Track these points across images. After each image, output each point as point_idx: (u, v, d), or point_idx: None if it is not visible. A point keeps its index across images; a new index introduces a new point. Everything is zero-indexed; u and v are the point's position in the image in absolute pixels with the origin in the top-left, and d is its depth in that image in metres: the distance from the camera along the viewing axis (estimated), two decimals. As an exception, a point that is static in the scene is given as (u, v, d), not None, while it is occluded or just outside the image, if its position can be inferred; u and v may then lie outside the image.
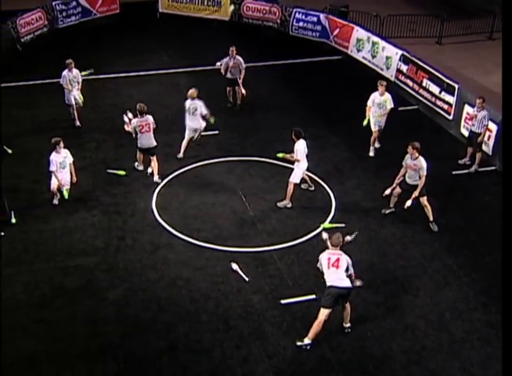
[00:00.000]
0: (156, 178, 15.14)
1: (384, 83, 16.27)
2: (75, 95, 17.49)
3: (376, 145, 16.68)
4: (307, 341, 10.53)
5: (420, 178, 13.20)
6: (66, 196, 13.88)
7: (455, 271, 12.38)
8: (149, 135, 14.90)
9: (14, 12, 23.20)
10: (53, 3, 24.62)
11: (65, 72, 17.38)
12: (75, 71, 17.50)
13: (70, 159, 14.03)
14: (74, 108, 17.60)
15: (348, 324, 10.94)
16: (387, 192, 13.73)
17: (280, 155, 14.22)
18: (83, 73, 17.90)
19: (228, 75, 18.78)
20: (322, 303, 10.48)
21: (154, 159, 15.11)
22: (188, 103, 15.77)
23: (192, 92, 15.77)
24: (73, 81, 17.40)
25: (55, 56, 22.40)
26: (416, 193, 13.20)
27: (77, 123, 17.70)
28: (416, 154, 13.16)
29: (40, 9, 24.05)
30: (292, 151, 13.91)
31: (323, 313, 10.38)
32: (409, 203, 13.29)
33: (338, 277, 10.36)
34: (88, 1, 25.75)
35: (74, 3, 25.31)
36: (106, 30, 25.18)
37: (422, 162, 13.13)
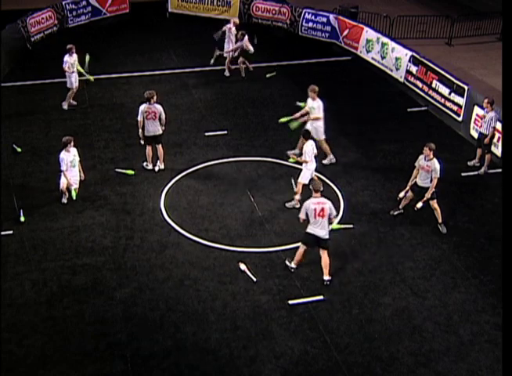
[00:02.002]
0: (161, 166, 15.38)
1: (316, 88, 15.51)
2: (76, 78, 18.29)
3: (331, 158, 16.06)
4: (293, 264, 12.11)
5: (431, 180, 13.16)
6: (74, 196, 13.90)
7: (463, 273, 12.34)
8: (155, 123, 14.99)
9: (25, 12, 23.28)
10: (63, 2, 24.73)
11: (66, 57, 18.05)
12: (75, 56, 18.19)
13: (77, 157, 14.06)
14: (74, 92, 18.50)
15: (328, 277, 11.81)
16: (402, 195, 13.66)
17: (292, 160, 14.25)
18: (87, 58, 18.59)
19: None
20: (302, 240, 12.02)
21: (160, 147, 15.26)
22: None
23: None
24: (73, 65, 18.13)
25: (64, 54, 22.46)
26: (427, 195, 13.16)
27: (66, 106, 18.58)
28: (431, 156, 13.11)
29: (50, 9, 24.17)
30: (301, 153, 13.93)
31: (302, 247, 12.02)
32: (419, 205, 13.26)
33: (320, 226, 11.65)
34: (98, 0, 25.84)
35: (84, 2, 25.43)
36: (116, 29, 25.24)
37: (435, 164, 13.09)
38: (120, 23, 25.93)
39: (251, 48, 20.48)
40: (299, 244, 12.16)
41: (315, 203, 11.64)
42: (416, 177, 13.47)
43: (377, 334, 10.86)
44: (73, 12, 25.06)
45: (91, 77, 18.68)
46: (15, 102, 18.83)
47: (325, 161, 15.76)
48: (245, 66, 21.06)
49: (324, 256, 11.86)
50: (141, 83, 20.33)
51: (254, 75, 21.13)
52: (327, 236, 11.79)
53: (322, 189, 11.84)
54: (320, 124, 15.51)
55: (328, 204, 11.68)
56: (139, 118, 15.04)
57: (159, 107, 14.92)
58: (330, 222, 11.85)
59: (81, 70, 18.31)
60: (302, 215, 11.75)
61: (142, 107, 14.94)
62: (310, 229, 11.77)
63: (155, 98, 14.96)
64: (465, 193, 15.01)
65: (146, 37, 24.63)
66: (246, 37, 20.48)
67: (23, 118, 17.96)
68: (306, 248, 11.97)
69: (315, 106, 15.40)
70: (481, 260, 12.71)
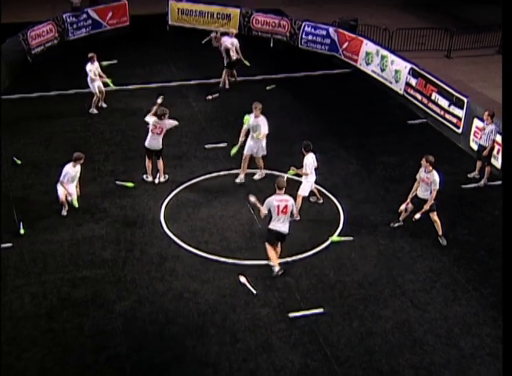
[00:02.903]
0: (161, 178, 15.41)
1: (260, 105, 15.25)
2: (99, 85, 19.05)
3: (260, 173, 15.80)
4: (276, 268, 12.30)
5: (431, 192, 13.16)
6: (76, 204, 13.91)
7: (464, 285, 12.31)
8: (158, 138, 15.05)
9: (25, 25, 23.37)
10: (64, 15, 24.83)
11: (89, 65, 18.83)
12: (96, 64, 18.91)
13: (78, 174, 14.08)
14: (97, 97, 19.17)
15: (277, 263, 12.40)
16: (403, 207, 13.64)
17: (291, 172, 14.24)
18: (104, 63, 19.52)
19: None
20: (266, 239, 12.38)
21: (160, 161, 15.32)
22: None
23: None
24: (96, 72, 18.84)
25: (65, 67, 22.57)
26: (426, 207, 13.17)
27: (95, 111, 19.17)
28: (430, 168, 13.12)
29: (51, 22, 24.26)
30: (301, 165, 13.92)
31: (268, 246, 12.29)
32: (418, 216, 13.25)
33: (283, 222, 12.07)
34: (99, 13, 25.98)
35: (85, 15, 25.56)
36: (116, 42, 25.29)
37: (435, 176, 13.10)
38: (121, 36, 26.00)
39: (234, 55, 20.51)
40: (267, 247, 12.35)
41: (279, 200, 11.97)
42: (416, 189, 13.47)
43: (378, 347, 10.82)
44: (73, 25, 25.17)
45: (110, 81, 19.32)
46: (15, 114, 18.85)
47: (256, 176, 15.69)
48: (234, 80, 21.14)
49: (279, 246, 12.47)
50: (141, 95, 20.36)
51: (254, 88, 21.17)
52: (287, 231, 12.21)
53: (285, 185, 12.11)
54: (265, 141, 15.34)
55: (291, 201, 12.08)
56: (149, 120, 15.10)
57: (168, 123, 15.00)
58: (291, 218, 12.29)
59: (104, 78, 19.12)
60: (264, 211, 12.03)
61: (153, 119, 15.04)
62: (272, 226, 12.14)
63: (166, 116, 15.05)
64: (465, 206, 15.01)
65: (146, 50, 24.71)
66: (225, 42, 20.63)
67: (23, 131, 17.98)
68: (271, 245, 12.31)
69: (260, 123, 15.13)
70: (481, 272, 12.69)
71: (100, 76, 19.07)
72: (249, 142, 15.36)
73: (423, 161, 13.18)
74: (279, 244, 12.44)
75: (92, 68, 18.80)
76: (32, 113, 19.18)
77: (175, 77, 22.13)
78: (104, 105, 19.52)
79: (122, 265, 12.66)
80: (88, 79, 18.89)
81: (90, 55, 18.83)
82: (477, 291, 12.18)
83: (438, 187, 13.08)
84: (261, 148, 15.38)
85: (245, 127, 15.36)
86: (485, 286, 12.28)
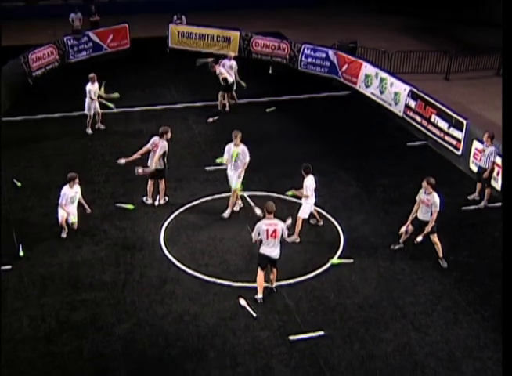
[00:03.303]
0: (161, 201, 15.41)
1: (239, 134, 14.75)
2: (96, 106, 19.20)
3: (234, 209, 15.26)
4: (259, 295, 12.20)
5: (431, 213, 13.15)
6: (71, 221, 13.91)
7: (465, 308, 12.26)
8: (154, 156, 15.03)
9: (26, 47, 23.51)
10: (65, 38, 24.98)
11: (89, 85, 18.94)
12: (97, 84, 18.98)
13: (79, 194, 14.10)
14: (90, 117, 19.26)
15: (274, 284, 12.44)
16: (403, 230, 13.63)
17: (290, 193, 14.22)
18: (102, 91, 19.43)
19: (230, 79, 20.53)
20: (258, 263, 12.23)
21: (162, 182, 15.33)
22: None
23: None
24: (95, 93, 18.92)
25: (65, 90, 22.66)
26: (427, 229, 13.14)
27: (90, 131, 19.33)
28: (431, 189, 13.13)
29: (52, 44, 24.41)
30: (300, 187, 13.91)
31: (259, 271, 12.17)
32: (419, 238, 13.22)
33: (273, 247, 11.95)
34: (99, 36, 26.13)
35: (85, 38, 25.73)
36: (117, 64, 25.41)
37: (435, 198, 13.09)
38: (121, 59, 26.13)
39: (230, 78, 20.61)
40: (258, 272, 12.24)
41: (268, 224, 11.88)
42: (416, 211, 13.46)
43: (379, 370, 10.75)
44: (74, 48, 25.32)
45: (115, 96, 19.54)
46: (15, 136, 18.88)
47: (224, 215, 15.02)
48: (234, 102, 21.22)
49: (273, 270, 12.34)
50: (141, 118, 20.45)
51: (253, 110, 21.26)
52: (278, 257, 12.11)
53: (274, 209, 11.95)
54: (243, 173, 14.83)
55: (280, 225, 11.92)
56: (148, 145, 15.13)
57: (162, 145, 14.96)
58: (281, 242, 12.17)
59: (103, 97, 19.26)
60: (255, 236, 12.00)
61: (153, 139, 15.08)
62: (262, 250, 12.05)
63: (168, 135, 15.09)
64: (465, 227, 14.99)
65: (146, 73, 24.82)
66: (225, 65, 20.74)
67: (23, 153, 18.01)
68: (262, 270, 12.19)
69: (239, 151, 14.66)
70: (482, 295, 12.65)
71: (99, 97, 19.12)
72: (228, 172, 14.97)
73: (424, 183, 13.19)
74: (274, 270, 12.31)
75: (92, 88, 18.89)
76: (32, 136, 19.21)
77: (175, 99, 22.21)
78: (102, 126, 19.57)
79: (122, 287, 12.61)
80: (86, 99, 18.99)
81: (91, 75, 18.92)
82: (478, 313, 12.13)
83: (438, 209, 13.07)
84: (235, 179, 14.82)
85: (225, 156, 14.77)
86: (486, 308, 12.23)
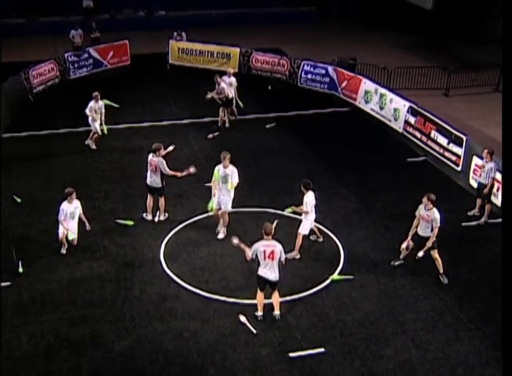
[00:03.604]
0: (161, 217, 15.42)
1: (228, 155, 14.49)
2: (97, 125, 19.08)
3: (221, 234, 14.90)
4: (259, 313, 12.07)
5: (432, 229, 13.14)
6: (70, 237, 13.89)
7: (466, 324, 12.21)
8: (153, 175, 15.11)
9: (27, 64, 23.60)
10: (65, 55, 25.08)
11: (91, 103, 18.87)
12: (100, 103, 18.96)
13: (80, 210, 14.10)
14: (99, 134, 19.28)
15: (278, 312, 12.07)
16: (404, 246, 13.61)
17: (289, 210, 14.17)
18: (105, 101, 19.45)
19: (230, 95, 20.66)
20: (257, 284, 12.08)
21: (162, 199, 15.36)
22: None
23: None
24: (98, 111, 18.84)
25: (66, 106, 22.73)
26: (428, 244, 13.12)
27: (94, 146, 19.41)
28: (431, 206, 13.13)
29: (52, 61, 24.51)
30: (300, 203, 13.90)
31: (258, 292, 12.06)
32: (420, 254, 13.20)
33: (271, 269, 11.74)
34: (100, 52, 26.25)
35: (86, 55, 25.85)
36: (117, 81, 25.50)
37: (435, 213, 13.09)
38: (122, 75, 26.24)
39: (230, 94, 20.67)
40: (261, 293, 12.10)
41: (265, 245, 11.71)
42: (416, 227, 13.45)
43: (380, 387, 10.70)
44: (75, 64, 25.44)
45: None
46: (15, 152, 18.91)
47: (220, 236, 14.85)
48: (234, 118, 21.27)
49: (275, 294, 12.07)
50: (141, 134, 20.47)
51: (253, 126, 21.31)
52: (277, 279, 11.89)
53: (272, 231, 11.78)
54: (233, 194, 14.69)
55: (278, 247, 11.75)
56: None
57: (158, 160, 14.98)
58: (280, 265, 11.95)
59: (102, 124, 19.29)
60: (249, 254, 11.84)
61: (149, 157, 15.13)
62: (260, 272, 11.90)
63: (161, 151, 15.11)
64: (465, 244, 14.96)
65: (146, 89, 24.89)
66: (224, 82, 20.77)
67: (23, 169, 18.02)
68: (261, 291, 12.06)
69: (229, 173, 14.46)
70: (483, 311, 12.60)
71: (101, 115, 19.14)
72: (217, 194, 14.64)
73: (425, 199, 13.19)
74: (275, 294, 12.05)
75: (95, 107, 18.89)
76: (32, 152, 19.23)
77: (175, 115, 22.25)
78: (93, 146, 19.44)
79: (121, 304, 12.57)
80: (90, 118, 18.99)
81: (94, 94, 18.91)
82: (479, 330, 12.08)
83: (439, 224, 13.07)
84: (229, 202, 14.69)
85: (214, 179, 14.63)
86: (487, 325, 12.18)
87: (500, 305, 12.21)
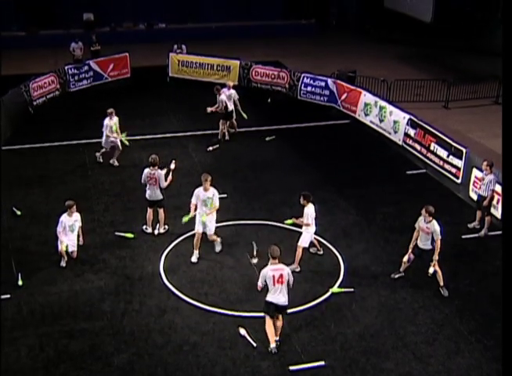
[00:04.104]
0: (161, 229, 15.42)
1: (209, 178, 14.22)
2: (114, 141, 18.83)
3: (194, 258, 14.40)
4: (272, 345, 11.49)
5: (432, 242, 13.12)
6: (64, 249, 13.84)
7: (466, 337, 12.17)
8: (154, 188, 15.11)
9: (27, 76, 23.67)
10: (66, 67, 25.16)
11: (107, 120, 18.61)
12: (115, 118, 18.67)
13: (79, 223, 14.10)
14: (106, 150, 19.08)
15: (277, 338, 11.61)
16: (406, 259, 13.60)
17: (289, 222, 14.14)
18: (123, 137, 19.08)
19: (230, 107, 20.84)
20: (264, 311, 11.56)
21: (161, 211, 15.35)
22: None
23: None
24: (112, 128, 18.58)
25: (66, 118, 22.79)
26: (435, 258, 13.09)
27: (100, 159, 19.16)
28: (430, 218, 13.12)
29: (52, 73, 24.59)
30: (300, 215, 13.89)
31: (267, 320, 11.51)
32: (431, 270, 13.11)
33: (280, 293, 11.32)
34: (100, 65, 26.32)
35: (86, 67, 25.93)
36: (117, 93, 25.57)
37: (435, 226, 13.09)
38: (122, 88, 26.32)
39: (230, 106, 20.73)
40: (266, 317, 11.59)
41: (273, 269, 11.27)
42: (416, 239, 13.44)
43: (380, 401, 10.66)
44: (75, 77, 25.51)
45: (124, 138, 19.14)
46: (16, 165, 18.94)
47: (217, 249, 14.70)
48: (234, 131, 21.31)
49: (279, 319, 11.62)
50: (141, 146, 20.47)
51: (253, 139, 21.33)
52: (287, 303, 11.47)
53: (279, 254, 11.36)
54: (215, 215, 14.39)
55: (286, 270, 11.38)
56: (142, 181, 15.20)
57: (157, 173, 15.00)
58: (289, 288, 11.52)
59: (121, 136, 18.88)
60: (260, 283, 11.39)
61: (146, 171, 15.07)
62: (270, 298, 11.39)
63: (158, 163, 15.11)
64: (466, 256, 14.94)
65: (146, 102, 24.94)
66: (224, 94, 20.80)
67: (23, 181, 18.03)
68: (271, 318, 11.50)
69: (210, 196, 14.08)
70: (483, 324, 12.56)
71: (116, 132, 18.85)
72: (197, 217, 14.16)
73: (423, 212, 13.19)
74: (280, 317, 11.63)
75: (110, 123, 18.65)
76: (33, 164, 19.26)
77: (175, 128, 22.28)
78: (116, 163, 19.08)
79: (121, 317, 12.53)
80: (104, 135, 18.80)
81: (109, 110, 18.62)
82: (480, 342, 12.04)
83: (440, 237, 13.06)
84: (213, 225, 14.32)
85: (193, 201, 14.18)
86: (488, 338, 12.14)
87: (501, 318, 12.22)
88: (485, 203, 15.56)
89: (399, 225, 15.92)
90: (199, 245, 14.35)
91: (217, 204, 14.19)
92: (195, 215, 14.24)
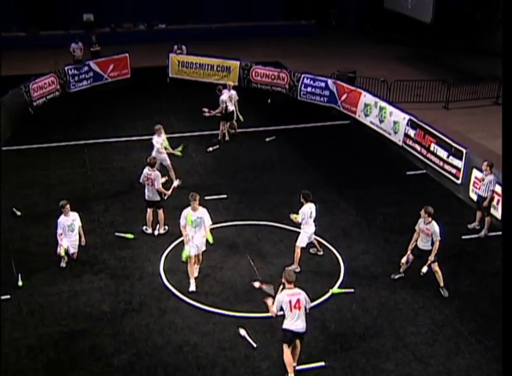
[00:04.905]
0: (161, 230, 15.40)
1: (197, 197, 13.18)
2: (165, 158, 17.55)
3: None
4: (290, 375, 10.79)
5: (432, 242, 13.12)
6: (63, 253, 13.83)
7: (466, 338, 12.16)
8: (151, 189, 15.11)
9: (28, 77, 23.68)
10: (66, 68, 25.17)
11: (155, 137, 17.40)
12: (164, 135, 17.65)
13: (78, 222, 14.10)
14: (171, 168, 17.71)
15: (295, 363, 10.98)
16: (404, 260, 13.59)
17: (294, 216, 14.06)
18: (178, 152, 18.18)
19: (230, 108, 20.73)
20: (282, 340, 10.86)
21: (161, 212, 15.35)
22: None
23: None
24: (163, 144, 17.50)
25: (66, 119, 22.79)
26: (430, 258, 13.10)
27: (177, 182, 16.68)
28: (429, 219, 13.12)
29: (53, 74, 24.60)
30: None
31: (285, 349, 10.77)
32: (424, 269, 13.14)
33: (298, 319, 10.61)
34: (100, 66, 26.33)
35: (86, 68, 25.94)
36: (117, 94, 25.59)
37: (435, 227, 13.08)
38: (122, 88, 26.34)
39: (230, 107, 20.72)
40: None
41: (290, 294, 10.62)
42: (416, 240, 13.44)
43: (380, 401, 10.65)
44: (75, 78, 25.52)
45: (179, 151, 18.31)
46: (16, 165, 18.94)
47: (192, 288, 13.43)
48: (234, 131, 21.30)
49: (297, 346, 10.96)
50: (141, 147, 20.44)
51: (253, 139, 21.32)
52: (305, 329, 10.77)
53: (295, 279, 10.79)
54: (203, 234, 13.36)
55: (303, 295, 10.73)
56: (141, 180, 15.22)
57: (154, 174, 15.02)
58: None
59: (170, 150, 17.93)
60: (275, 310, 10.68)
61: (145, 171, 15.11)
62: (287, 325, 10.68)
63: (156, 165, 15.10)
64: (466, 256, 14.93)
65: (146, 102, 24.94)
66: (225, 94, 20.79)
67: (23, 182, 18.03)
68: (289, 346, 10.83)
69: (200, 215, 13.22)
70: (484, 324, 12.55)
71: (166, 148, 17.72)
72: (192, 240, 13.24)
73: (422, 213, 13.19)
74: (297, 344, 10.95)
75: (159, 140, 17.41)
76: (32, 165, 19.26)
77: (175, 129, 22.24)
78: (178, 182, 16.40)
79: (121, 317, 12.53)
80: (153, 152, 17.25)
81: (157, 127, 17.53)
82: (480, 343, 12.03)
83: (439, 238, 13.06)
84: (204, 242, 13.44)
85: (182, 223, 13.27)
86: (488, 338, 12.13)
87: (501, 318, 12.21)
88: (485, 203, 15.54)
89: (399, 225, 15.91)
90: (194, 272, 13.53)
91: (208, 224, 13.27)
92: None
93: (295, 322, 10.61)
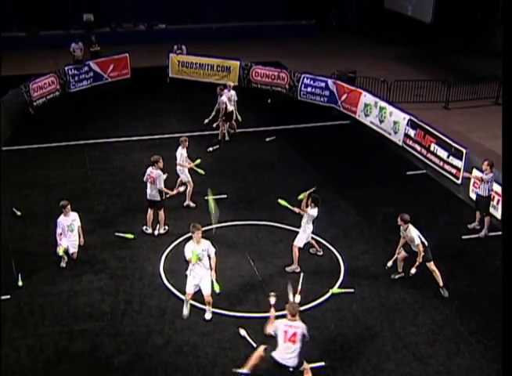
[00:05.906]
0: (161, 230, 15.41)
1: (200, 228, 12.26)
2: (186, 172, 16.58)
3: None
4: None
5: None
6: (61, 253, 13.82)
7: (466, 338, 12.16)
8: (152, 188, 15.10)
9: (28, 77, 23.69)
10: (66, 68, 25.17)
11: (180, 149, 16.46)
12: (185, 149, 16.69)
13: (78, 222, 14.10)
14: (191, 186, 16.73)
15: None
16: (389, 264, 13.67)
17: (301, 196, 14.00)
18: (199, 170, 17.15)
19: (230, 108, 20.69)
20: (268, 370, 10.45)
21: (161, 213, 15.36)
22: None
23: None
24: (187, 158, 16.71)
25: (66, 119, 22.78)
26: (419, 260, 13.13)
27: (191, 203, 16.76)
28: (406, 226, 13.15)
29: (53, 74, 24.60)
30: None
31: (260, 349, 10.59)
32: (413, 271, 13.18)
33: (290, 354, 10.12)
34: (100, 66, 26.33)
35: (86, 68, 25.93)
36: (117, 94, 25.59)
37: (411, 232, 13.14)
38: (122, 88, 26.33)
39: (230, 107, 20.73)
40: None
41: (288, 325, 10.17)
42: (403, 245, 13.57)
43: (380, 401, 10.64)
44: (75, 78, 25.52)
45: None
46: (16, 165, 18.93)
47: (207, 316, 12.63)
48: (233, 131, 21.29)
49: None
50: (141, 147, 20.48)
51: (253, 139, 21.32)
52: (296, 364, 10.20)
53: (297, 312, 10.45)
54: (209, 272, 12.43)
55: (301, 330, 10.16)
56: (144, 179, 15.23)
57: (156, 173, 14.99)
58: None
59: (193, 165, 16.86)
60: (269, 331, 10.39)
61: (148, 170, 15.15)
62: (276, 355, 10.22)
63: (160, 163, 15.06)
64: (466, 256, 14.93)
65: (146, 102, 24.93)
66: (225, 95, 20.80)
67: (23, 182, 18.02)
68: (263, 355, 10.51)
69: (204, 248, 12.15)
70: (484, 324, 12.55)
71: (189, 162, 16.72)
72: (194, 273, 12.36)
73: (399, 221, 13.28)
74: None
75: (184, 153, 16.48)
76: (32, 165, 19.26)
77: (175, 128, 22.25)
78: (192, 204, 16.73)
79: (121, 317, 12.52)
80: (178, 166, 16.56)
81: (182, 138, 16.60)
82: (480, 343, 12.03)
83: (418, 242, 13.06)
84: (207, 282, 12.35)
85: (188, 256, 12.18)
86: (489, 338, 12.13)
87: (501, 318, 12.20)
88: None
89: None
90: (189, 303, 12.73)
91: (213, 256, 12.24)
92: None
93: (285, 355, 10.16)
